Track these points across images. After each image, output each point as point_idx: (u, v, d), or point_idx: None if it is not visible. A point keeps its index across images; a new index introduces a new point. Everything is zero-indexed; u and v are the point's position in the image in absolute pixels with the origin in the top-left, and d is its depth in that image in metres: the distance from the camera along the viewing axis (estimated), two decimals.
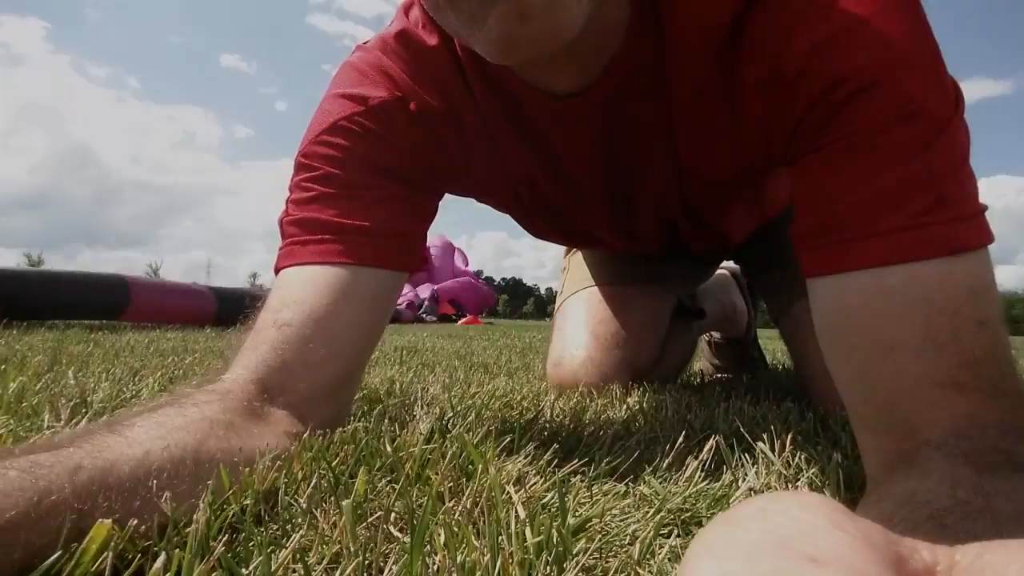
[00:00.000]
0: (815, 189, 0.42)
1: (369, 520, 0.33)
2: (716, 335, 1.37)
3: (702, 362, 1.41)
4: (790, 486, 0.41)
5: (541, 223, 0.74)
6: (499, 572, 0.27)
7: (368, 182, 0.54)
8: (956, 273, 0.37)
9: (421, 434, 0.50)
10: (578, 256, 1.07)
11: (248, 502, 0.34)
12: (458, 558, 0.28)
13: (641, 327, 0.95)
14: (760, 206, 0.85)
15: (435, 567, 0.28)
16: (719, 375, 1.35)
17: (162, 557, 0.26)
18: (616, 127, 0.54)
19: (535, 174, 0.61)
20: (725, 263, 1.28)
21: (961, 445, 0.34)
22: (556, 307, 1.07)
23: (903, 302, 0.37)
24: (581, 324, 0.95)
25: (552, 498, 0.38)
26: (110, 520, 0.27)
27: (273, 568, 0.27)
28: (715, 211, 0.71)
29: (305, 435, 0.44)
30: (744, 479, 0.41)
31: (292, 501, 0.35)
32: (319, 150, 0.54)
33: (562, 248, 1.13)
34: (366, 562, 0.28)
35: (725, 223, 0.79)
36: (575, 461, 0.46)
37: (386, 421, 0.55)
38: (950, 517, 0.28)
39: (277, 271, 0.54)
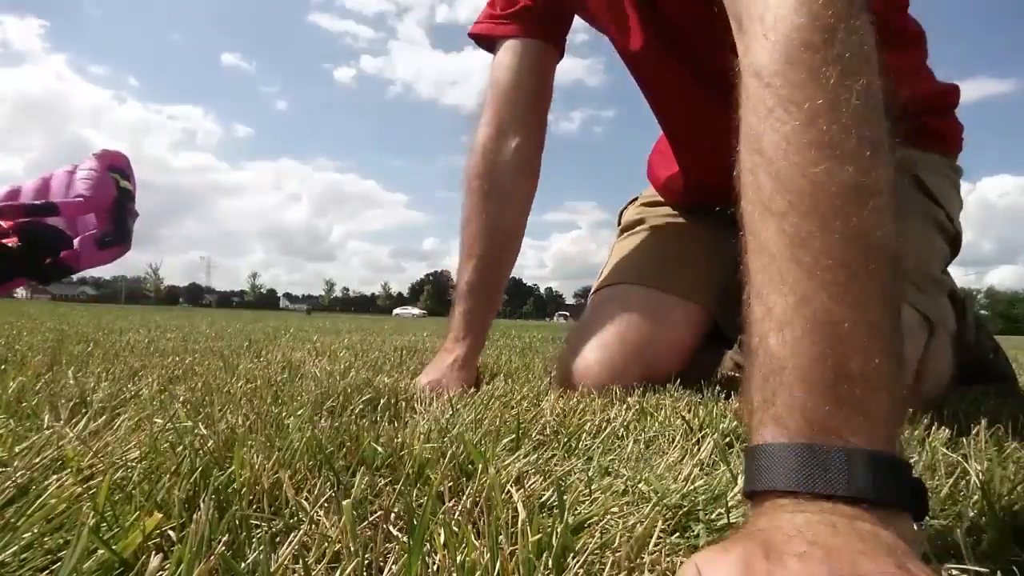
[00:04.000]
0: None
1: (369, 520, 0.33)
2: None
3: (723, 360, 1.39)
4: None
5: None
6: (499, 572, 0.27)
7: None
8: None
9: (421, 434, 0.50)
10: (625, 242, 1.09)
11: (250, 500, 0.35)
12: (458, 558, 0.28)
13: (668, 345, 0.94)
14: None
15: (435, 567, 0.28)
16: (733, 373, 1.33)
17: (159, 556, 0.26)
18: None
19: None
20: None
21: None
22: (593, 288, 1.07)
23: None
24: (615, 326, 0.94)
25: (552, 497, 0.38)
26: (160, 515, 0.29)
27: (273, 568, 0.27)
28: None
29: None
30: (742, 477, 0.41)
31: (292, 501, 0.35)
32: None
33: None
34: (366, 562, 0.28)
35: None
36: (575, 461, 0.47)
37: (386, 421, 0.55)
38: None
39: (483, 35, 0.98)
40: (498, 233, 0.95)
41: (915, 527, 0.29)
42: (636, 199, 1.20)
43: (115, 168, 0.96)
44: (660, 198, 1.14)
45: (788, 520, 0.27)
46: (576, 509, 0.36)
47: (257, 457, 0.40)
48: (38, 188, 0.91)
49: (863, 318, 0.31)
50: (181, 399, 0.67)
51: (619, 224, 1.19)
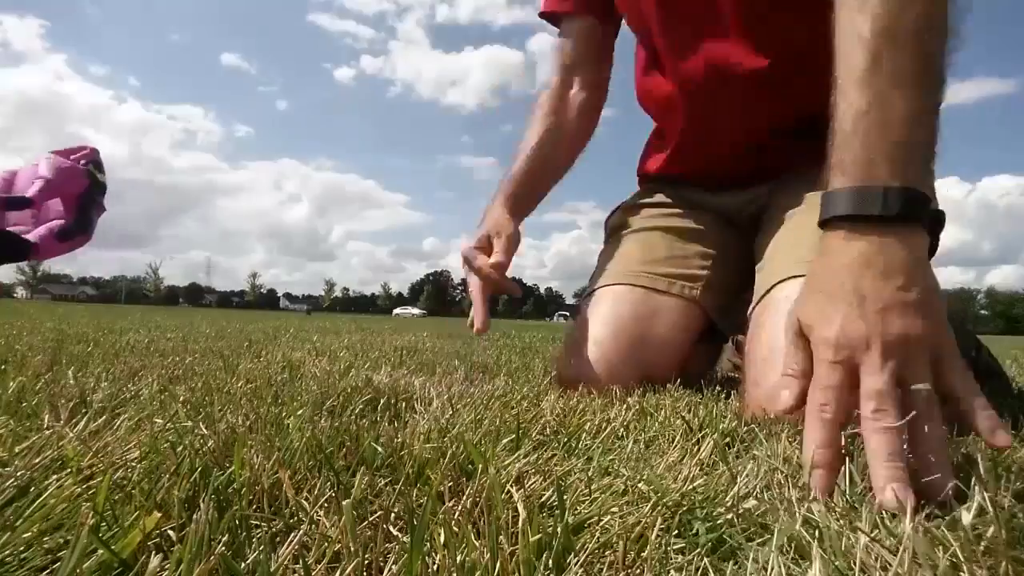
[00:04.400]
0: None
1: (369, 520, 0.33)
2: (743, 337, 1.35)
3: (720, 360, 1.39)
4: (789, 482, 0.41)
5: None
6: (499, 572, 0.27)
7: None
8: None
9: (421, 434, 0.50)
10: (612, 247, 1.08)
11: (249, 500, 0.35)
12: (458, 558, 0.28)
13: (661, 344, 0.94)
14: None
15: (435, 567, 0.28)
16: (732, 374, 1.34)
17: (159, 556, 0.26)
18: None
19: None
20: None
21: None
22: (588, 288, 1.05)
23: None
24: (607, 325, 0.93)
25: (552, 497, 0.38)
26: (160, 514, 0.30)
27: (273, 568, 0.27)
28: None
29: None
30: (743, 475, 0.41)
31: (292, 501, 0.35)
32: None
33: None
34: (366, 562, 0.28)
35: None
36: (575, 461, 0.47)
37: (386, 421, 0.55)
38: None
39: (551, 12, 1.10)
40: (551, 145, 1.05)
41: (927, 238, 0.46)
42: (620, 207, 1.18)
43: (89, 160, 0.95)
44: (643, 200, 1.13)
45: (835, 256, 0.46)
46: (576, 509, 0.36)
47: (257, 457, 0.41)
48: (3, 184, 0.91)
49: (911, 107, 0.47)
50: (181, 399, 0.67)
51: (606, 231, 1.18)
